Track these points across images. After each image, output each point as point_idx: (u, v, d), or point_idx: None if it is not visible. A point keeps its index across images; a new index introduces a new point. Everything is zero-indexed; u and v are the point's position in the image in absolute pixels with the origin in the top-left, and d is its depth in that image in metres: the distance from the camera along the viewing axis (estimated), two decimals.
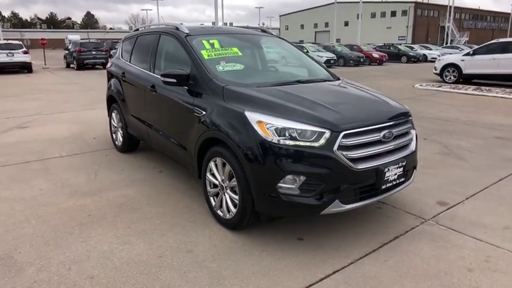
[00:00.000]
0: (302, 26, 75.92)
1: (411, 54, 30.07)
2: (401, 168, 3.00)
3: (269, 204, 2.82)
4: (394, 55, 30.06)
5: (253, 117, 2.82)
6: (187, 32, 3.86)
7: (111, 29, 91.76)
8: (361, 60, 25.42)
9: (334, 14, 42.91)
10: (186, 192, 3.95)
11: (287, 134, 2.70)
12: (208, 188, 3.32)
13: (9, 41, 19.42)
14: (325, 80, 3.83)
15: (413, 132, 3.31)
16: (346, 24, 64.15)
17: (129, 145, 5.10)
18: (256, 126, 2.77)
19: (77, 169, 4.63)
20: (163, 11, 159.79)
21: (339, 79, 3.99)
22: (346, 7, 60.40)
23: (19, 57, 17.39)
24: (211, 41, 3.73)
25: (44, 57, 23.59)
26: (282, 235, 3.12)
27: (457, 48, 32.91)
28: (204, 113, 3.22)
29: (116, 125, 5.30)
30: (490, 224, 3.34)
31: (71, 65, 21.28)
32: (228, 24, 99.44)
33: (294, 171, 2.68)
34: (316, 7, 72.53)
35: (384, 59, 27.05)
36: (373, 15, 66.39)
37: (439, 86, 13.08)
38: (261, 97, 3.02)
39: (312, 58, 4.39)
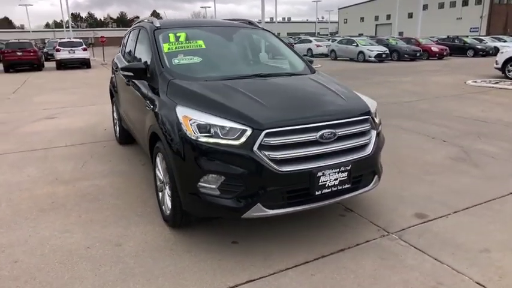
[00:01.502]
0: (362, 19, 72.35)
1: (479, 47, 26.97)
2: (345, 173, 2.67)
3: (193, 204, 2.70)
4: (458, 48, 27.27)
5: (181, 111, 2.72)
6: (158, 25, 3.84)
7: None
8: (418, 54, 23.50)
9: (397, 5, 40.15)
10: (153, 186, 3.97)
11: (211, 131, 2.55)
12: (158, 183, 3.28)
13: (72, 39, 21.32)
14: (292, 74, 3.58)
15: (373, 133, 2.93)
16: (410, 16, 59.07)
17: (125, 137, 5.26)
18: (181, 122, 2.66)
19: (70, 158, 4.89)
20: (226, 8, 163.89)
21: (313, 72, 3.70)
22: None
23: (79, 54, 19.03)
24: (178, 34, 3.68)
25: (103, 54, 25.48)
26: (219, 236, 2.97)
27: None
28: (151, 107, 3.18)
29: (116, 117, 5.51)
30: (466, 245, 2.86)
31: None
32: (287, 19, 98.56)
33: (212, 170, 2.53)
34: None
35: (445, 53, 24.67)
36: (441, 6, 60.31)
37: (496, 83, 11.61)
38: (197, 92, 2.89)
39: (295, 52, 4.12)
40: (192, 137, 2.56)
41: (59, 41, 20.86)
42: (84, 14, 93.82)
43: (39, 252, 2.79)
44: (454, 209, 3.43)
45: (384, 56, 22.32)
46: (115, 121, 5.65)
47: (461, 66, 19.57)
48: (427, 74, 15.40)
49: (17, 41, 19.80)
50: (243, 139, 2.48)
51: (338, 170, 2.63)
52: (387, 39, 26.20)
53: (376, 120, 3.04)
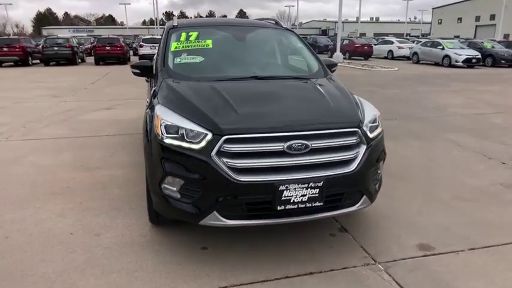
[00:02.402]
0: (459, 20, 64.80)
1: None
2: (316, 190, 2.41)
3: (159, 205, 2.69)
4: None
5: (157, 111, 2.72)
6: (175, 24, 3.91)
7: None
8: None
9: (503, 3, 35.39)
10: None
11: (179, 133, 2.50)
12: None
13: (155, 36, 22.95)
14: (296, 77, 3.37)
15: (361, 148, 2.60)
16: None
17: None
18: (155, 121, 2.66)
19: (104, 147, 5.25)
20: (313, 7, 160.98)
21: (325, 76, 3.44)
22: None
23: None
24: (190, 33, 3.70)
25: None
26: (194, 240, 2.91)
27: None
28: (147, 104, 3.25)
29: None
30: None
31: None
32: (375, 19, 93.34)
33: (173, 173, 2.49)
34: None
35: None
36: None
37: None
38: (179, 92, 2.87)
39: (313, 54, 3.85)
40: (159, 138, 2.54)
41: (142, 37, 22.67)
42: (176, 13, 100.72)
43: (29, 232, 3.03)
44: (472, 246, 2.90)
45: (474, 61, 19.98)
46: None
47: None
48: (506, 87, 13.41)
49: (107, 36, 22.04)
50: (203, 143, 2.38)
51: (306, 185, 2.38)
52: (482, 42, 23.40)
53: (370, 134, 2.68)
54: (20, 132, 6.07)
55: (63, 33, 42.66)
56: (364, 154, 2.59)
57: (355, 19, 51.02)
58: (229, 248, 2.82)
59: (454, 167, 4.68)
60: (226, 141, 2.35)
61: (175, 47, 3.55)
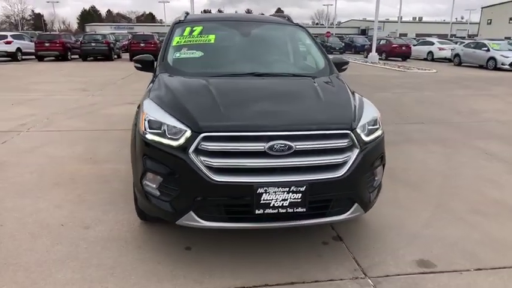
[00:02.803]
0: (511, 20, 60.81)
1: None
2: (298, 195, 2.25)
3: (141, 201, 2.63)
4: None
5: (144, 105, 2.67)
6: (182, 19, 3.86)
7: None
8: None
9: None
10: None
11: (162, 128, 2.43)
12: None
13: None
14: (296, 75, 3.23)
15: (354, 151, 2.40)
16: None
17: None
18: (140, 116, 2.61)
19: (116, 141, 5.31)
20: (354, 6, 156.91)
21: (329, 75, 3.28)
22: None
23: None
24: (194, 28, 3.63)
25: None
26: (180, 239, 2.84)
27: None
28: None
29: None
30: None
31: None
32: (418, 19, 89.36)
33: (152, 169, 2.42)
34: None
35: None
36: None
37: None
38: (170, 87, 2.80)
39: (322, 51, 3.66)
40: (141, 133, 2.49)
41: None
42: (214, 11, 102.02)
43: (24, 220, 3.08)
44: (479, 265, 2.62)
45: None
46: None
47: None
48: None
49: (142, 33, 22.60)
50: (181, 140, 2.30)
51: (287, 189, 2.23)
52: None
53: (366, 137, 2.48)
54: (42, 124, 6.30)
55: (104, 30, 44.41)
56: (356, 158, 2.40)
57: (396, 19, 49.14)
58: (213, 250, 2.72)
59: (476, 177, 4.31)
60: (205, 138, 2.25)
61: (177, 42, 3.50)
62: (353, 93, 2.98)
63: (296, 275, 2.46)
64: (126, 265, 2.54)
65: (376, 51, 23.57)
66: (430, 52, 26.11)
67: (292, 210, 2.28)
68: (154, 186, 2.44)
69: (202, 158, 2.25)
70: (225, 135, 2.26)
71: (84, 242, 2.80)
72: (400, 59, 25.49)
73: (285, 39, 3.86)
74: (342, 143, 2.38)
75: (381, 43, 26.73)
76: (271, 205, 2.25)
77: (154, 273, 2.46)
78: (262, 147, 2.24)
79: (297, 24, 4.05)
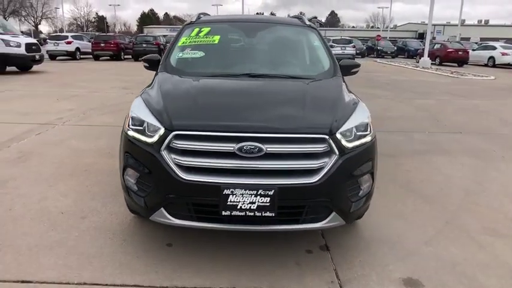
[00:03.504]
0: None
1: None
2: (267, 199, 2.19)
3: (124, 195, 2.71)
4: None
5: (133, 103, 2.75)
6: (193, 20, 3.93)
7: (352, 27, 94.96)
8: None
9: None
10: None
11: (143, 126, 2.48)
12: None
13: None
14: (292, 77, 3.13)
15: (331, 157, 2.28)
16: None
17: None
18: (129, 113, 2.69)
19: None
20: (414, 9, 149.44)
21: (330, 77, 3.18)
22: None
23: None
24: (202, 29, 3.68)
25: None
26: (164, 234, 2.88)
27: None
28: None
29: None
30: None
31: None
32: (483, 22, 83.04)
33: (129, 165, 2.49)
34: None
35: None
36: None
37: None
38: (161, 86, 2.86)
39: (329, 54, 3.54)
40: (125, 129, 2.57)
41: None
42: (267, 13, 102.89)
43: (30, 207, 3.31)
44: None
45: None
46: None
47: None
48: None
49: None
50: (155, 138, 2.34)
51: (255, 192, 2.18)
52: None
53: (348, 143, 2.34)
54: (77, 118, 6.73)
55: (160, 32, 46.59)
56: (334, 165, 2.28)
57: (457, 22, 46.23)
58: (193, 249, 2.73)
59: (503, 194, 3.92)
60: (176, 137, 2.27)
61: (183, 42, 3.57)
62: (349, 96, 2.84)
63: (267, 282, 2.39)
64: (107, 256, 2.62)
65: (429, 56, 22.34)
66: (492, 57, 24.27)
67: (260, 214, 2.22)
68: (133, 181, 2.50)
69: (173, 156, 2.27)
70: (196, 134, 2.26)
71: (76, 231, 2.94)
72: (456, 64, 23.97)
73: (291, 41, 3.78)
74: (318, 148, 2.27)
75: (435, 47, 25.32)
76: (239, 207, 2.21)
77: (129, 266, 2.51)
78: (232, 148, 2.21)
79: (309, 26, 3.95)
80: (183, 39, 3.60)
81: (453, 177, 4.37)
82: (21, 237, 2.81)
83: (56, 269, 2.45)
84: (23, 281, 2.31)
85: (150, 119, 2.43)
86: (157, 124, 2.36)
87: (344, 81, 3.24)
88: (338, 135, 2.32)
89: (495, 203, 3.69)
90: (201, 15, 4.14)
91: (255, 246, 2.77)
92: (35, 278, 2.34)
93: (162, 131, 2.32)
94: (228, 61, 3.41)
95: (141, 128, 2.46)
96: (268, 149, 2.21)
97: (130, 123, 2.54)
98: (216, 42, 3.53)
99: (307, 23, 3.99)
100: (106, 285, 2.33)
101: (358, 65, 3.59)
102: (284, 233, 2.88)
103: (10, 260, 2.52)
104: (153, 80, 3.20)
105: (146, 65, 3.66)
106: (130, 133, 2.49)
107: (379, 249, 2.81)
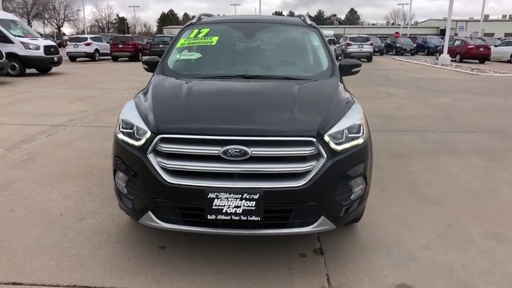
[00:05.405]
0: None
1: None
2: (252, 203, 2.16)
3: (118, 199, 2.72)
4: None
5: (125, 105, 2.77)
6: (194, 21, 3.93)
7: (373, 24, 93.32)
8: None
9: None
10: None
11: (132, 129, 2.49)
12: None
13: None
14: (287, 78, 3.08)
15: (319, 161, 2.23)
16: None
17: None
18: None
19: None
20: (436, 5, 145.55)
21: (327, 78, 3.12)
22: None
23: None
24: (202, 30, 3.67)
25: None
26: (158, 237, 2.89)
27: None
28: None
29: None
30: None
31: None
32: (508, 17, 79.94)
33: (119, 168, 2.51)
34: None
35: None
36: None
37: None
38: (154, 88, 2.87)
39: (329, 55, 3.47)
40: (116, 132, 2.59)
41: None
42: (285, 12, 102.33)
43: (31, 208, 3.38)
44: None
45: None
46: None
47: None
48: None
49: None
50: (142, 141, 2.34)
51: (240, 196, 2.15)
52: None
53: (337, 146, 2.28)
54: (89, 119, 6.87)
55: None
56: (322, 168, 2.23)
57: (480, 17, 44.77)
58: (185, 252, 2.72)
59: None
60: (162, 140, 2.27)
61: (181, 44, 3.57)
62: (344, 97, 2.78)
63: (256, 287, 2.36)
64: (99, 258, 2.65)
65: (449, 53, 21.72)
66: None
67: (246, 218, 2.19)
68: (123, 184, 2.51)
69: (159, 160, 2.27)
70: (180, 137, 2.25)
71: (73, 232, 2.98)
72: (477, 61, 23.24)
73: (289, 41, 3.73)
74: (305, 151, 2.22)
75: (455, 44, 24.62)
76: (224, 211, 2.18)
77: (120, 268, 2.53)
78: (217, 152, 2.19)
79: (310, 25, 3.88)
80: (181, 41, 3.60)
81: (461, 179, 4.22)
82: (18, 239, 2.87)
83: (47, 271, 2.49)
84: (13, 283, 2.35)
85: (138, 122, 2.44)
86: (145, 127, 2.37)
87: (342, 82, 3.17)
88: (326, 138, 2.26)
89: (502, 206, 3.54)
90: (202, 16, 4.12)
91: (248, 250, 2.74)
92: (25, 279, 2.38)
93: (148, 134, 2.32)
94: (223, 62, 3.39)
95: (131, 131, 2.47)
96: (253, 152, 2.18)
97: (120, 126, 2.55)
98: (214, 43, 3.51)
99: (309, 22, 3.92)
100: (95, 287, 2.35)
101: (359, 65, 3.50)
102: (277, 237, 2.85)
103: (4, 261, 2.58)
104: (148, 83, 3.22)
105: (146, 67, 3.68)
106: (120, 136, 2.51)
107: (375, 254, 2.74)
